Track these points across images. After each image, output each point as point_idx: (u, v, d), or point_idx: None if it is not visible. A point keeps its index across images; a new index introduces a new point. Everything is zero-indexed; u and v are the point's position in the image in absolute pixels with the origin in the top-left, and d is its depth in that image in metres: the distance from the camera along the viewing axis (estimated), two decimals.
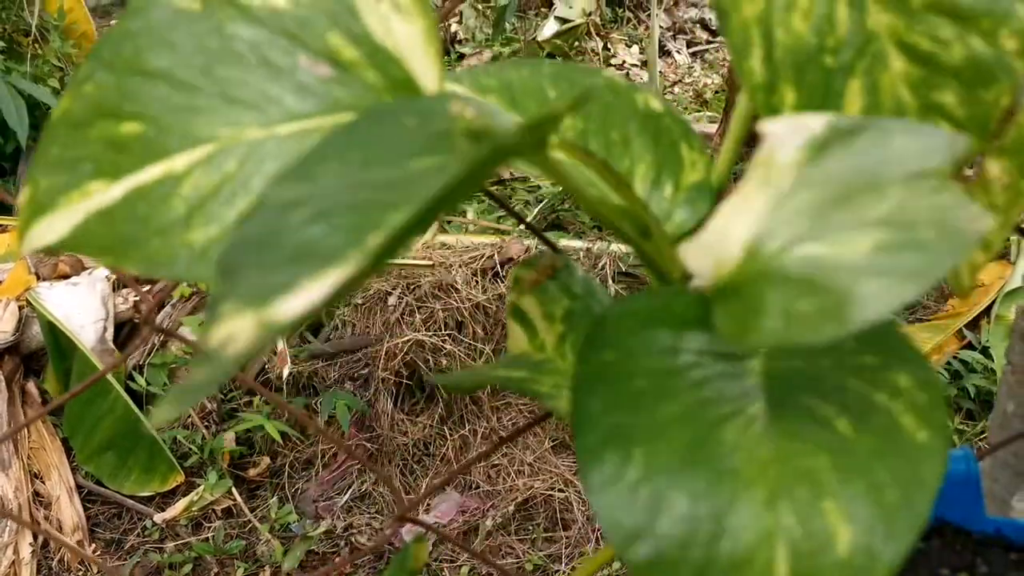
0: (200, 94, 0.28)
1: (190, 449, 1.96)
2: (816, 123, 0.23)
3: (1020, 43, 0.25)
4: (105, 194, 0.29)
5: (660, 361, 0.28)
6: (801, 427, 0.25)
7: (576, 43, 5.49)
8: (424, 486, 1.93)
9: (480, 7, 5.67)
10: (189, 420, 2.04)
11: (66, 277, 2.22)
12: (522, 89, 0.38)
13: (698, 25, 6.11)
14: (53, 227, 0.29)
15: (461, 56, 5.14)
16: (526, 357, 0.37)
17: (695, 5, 6.59)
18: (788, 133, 0.23)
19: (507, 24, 4.91)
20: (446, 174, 0.20)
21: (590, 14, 5.70)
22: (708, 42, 5.59)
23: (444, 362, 2.13)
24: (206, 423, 2.07)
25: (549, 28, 5.41)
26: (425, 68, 0.27)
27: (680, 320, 0.28)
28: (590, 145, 0.36)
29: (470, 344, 2.15)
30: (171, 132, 0.28)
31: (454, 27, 5.44)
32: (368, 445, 2.05)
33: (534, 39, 5.28)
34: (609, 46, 5.53)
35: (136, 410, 1.91)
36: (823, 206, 0.23)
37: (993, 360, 1.83)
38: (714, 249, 0.24)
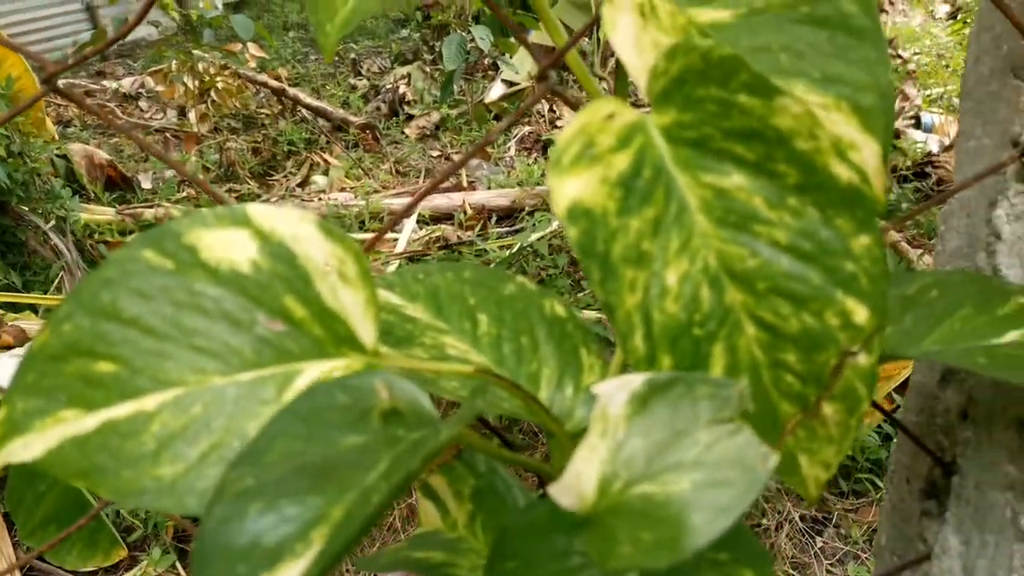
0: (169, 341, 0.33)
1: (133, 523, 1.95)
2: (637, 380, 0.30)
3: (842, 320, 0.31)
4: (79, 423, 0.33)
5: (554, 566, 0.33)
6: None
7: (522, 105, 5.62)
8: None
9: (428, 70, 5.78)
10: None
11: (9, 347, 2.21)
12: (447, 296, 0.43)
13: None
14: (29, 447, 0.34)
15: (410, 117, 5.24)
16: (439, 535, 0.42)
17: None
18: (615, 391, 0.29)
19: (455, 87, 5.02)
20: (373, 463, 0.25)
21: (535, 77, 5.85)
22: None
23: None
24: None
25: (496, 91, 5.55)
26: (365, 327, 0.32)
27: (570, 524, 0.34)
28: (503, 349, 0.42)
29: None
30: (142, 374, 0.33)
31: (403, 89, 5.54)
32: None
33: (481, 101, 5.40)
34: (555, 108, 5.69)
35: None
36: (651, 450, 0.29)
37: None
38: (575, 488, 0.29)
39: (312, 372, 0.33)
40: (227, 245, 0.33)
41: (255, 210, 0.33)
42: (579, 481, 0.31)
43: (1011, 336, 0.38)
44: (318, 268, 0.33)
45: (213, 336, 0.33)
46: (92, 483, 0.32)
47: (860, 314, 0.31)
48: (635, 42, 0.36)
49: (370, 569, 0.43)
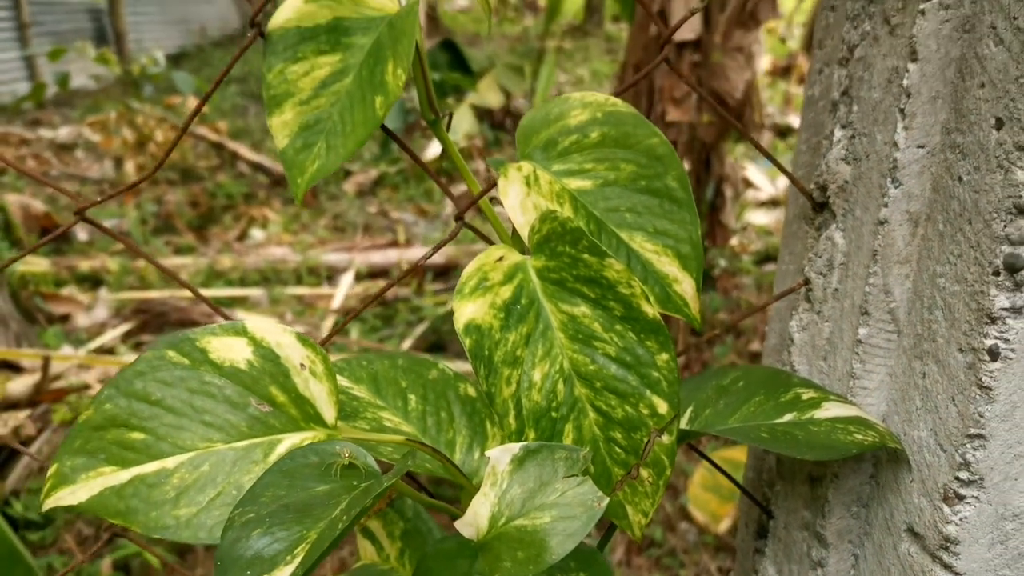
0: (185, 418, 0.46)
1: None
2: (516, 447, 0.44)
3: (650, 411, 0.47)
4: (116, 476, 0.46)
5: None
6: None
7: None
8: None
9: None
10: (66, 545, 2.08)
11: None
12: (384, 379, 0.57)
13: None
14: (75, 494, 0.46)
15: (348, 173, 5.36)
16: (376, 566, 0.56)
17: None
18: (502, 454, 0.44)
19: (393, 145, 5.16)
20: (336, 503, 0.39)
21: (473, 137, 6.07)
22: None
23: None
24: (83, 549, 2.11)
25: (433, 150, 5.73)
26: (327, 409, 0.46)
27: (472, 552, 0.48)
28: (427, 422, 0.56)
29: None
30: (165, 441, 0.46)
31: None
32: None
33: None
34: (490, 168, 5.88)
35: (12, 535, 1.94)
36: (525, 496, 0.43)
37: None
38: (473, 523, 0.43)
39: (289, 441, 0.46)
40: (229, 348, 0.47)
41: (251, 323, 0.47)
42: (476, 518, 0.45)
43: (787, 417, 0.54)
44: (295, 366, 0.46)
45: (218, 414, 0.46)
46: (127, 521, 0.45)
47: (662, 407, 0.46)
48: (520, 205, 0.51)
49: None
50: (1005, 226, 0.44)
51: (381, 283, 4.00)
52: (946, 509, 0.49)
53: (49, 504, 0.47)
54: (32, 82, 7.44)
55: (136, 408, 0.47)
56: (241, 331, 0.47)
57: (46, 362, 2.67)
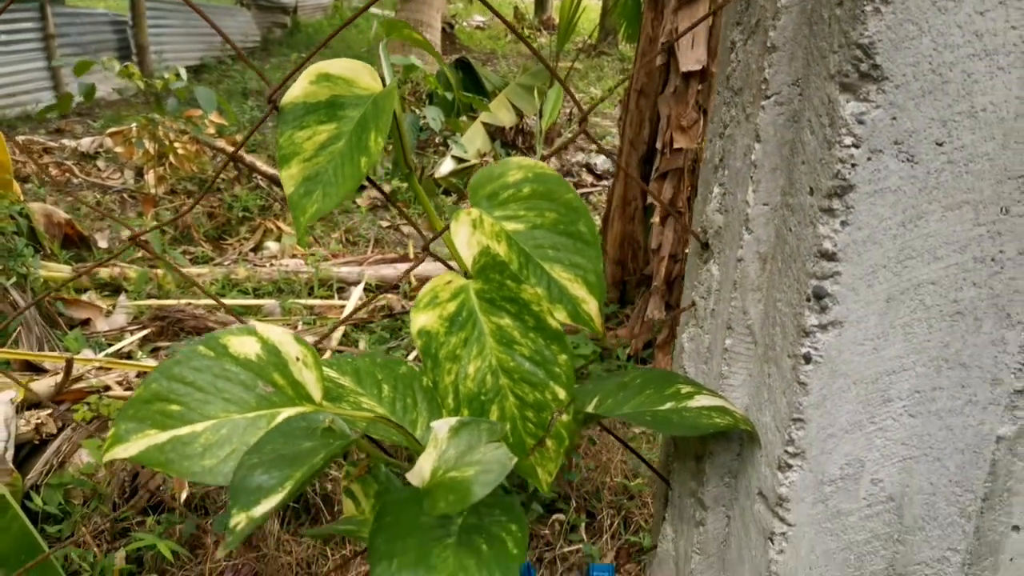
0: (210, 395, 0.63)
1: (81, 566, 2.13)
2: (453, 420, 0.60)
3: (552, 397, 0.63)
4: (158, 437, 0.62)
5: (411, 520, 0.63)
6: (467, 548, 0.61)
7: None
8: None
9: None
10: (82, 538, 2.24)
11: None
12: (364, 372, 0.74)
13: (584, 169, 6.77)
14: (128, 449, 0.63)
15: (361, 188, 5.53)
16: (355, 518, 0.72)
17: (582, 150, 7.27)
18: (442, 424, 0.60)
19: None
20: (316, 454, 0.56)
21: (484, 155, 6.24)
22: (592, 185, 6.22)
23: (330, 487, 2.42)
24: (98, 542, 2.26)
25: (446, 166, 5.89)
26: (315, 390, 0.63)
27: (419, 497, 0.64)
28: (396, 405, 0.72)
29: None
30: (195, 411, 0.62)
31: None
32: (255, 564, 2.29)
33: (431, 176, 5.74)
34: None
35: (31, 528, 2.09)
36: (458, 455, 0.59)
37: None
38: (419, 474, 0.60)
39: (286, 413, 0.63)
40: (243, 344, 0.63)
41: (260, 327, 0.64)
42: (422, 470, 0.61)
43: (668, 405, 0.70)
44: (292, 358, 0.63)
45: (234, 393, 0.63)
46: (166, 469, 0.62)
47: (562, 394, 0.63)
48: (467, 242, 0.68)
49: (316, 537, 0.72)
50: (813, 265, 0.60)
51: (390, 296, 4.15)
52: (780, 475, 0.65)
53: (108, 457, 0.64)
54: (56, 91, 7.68)
55: (174, 387, 0.63)
56: (252, 332, 0.64)
57: (68, 364, 2.85)
